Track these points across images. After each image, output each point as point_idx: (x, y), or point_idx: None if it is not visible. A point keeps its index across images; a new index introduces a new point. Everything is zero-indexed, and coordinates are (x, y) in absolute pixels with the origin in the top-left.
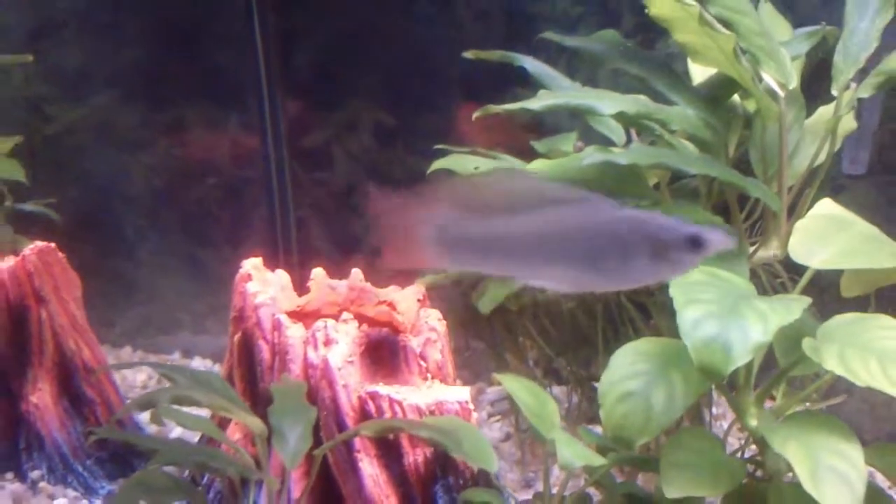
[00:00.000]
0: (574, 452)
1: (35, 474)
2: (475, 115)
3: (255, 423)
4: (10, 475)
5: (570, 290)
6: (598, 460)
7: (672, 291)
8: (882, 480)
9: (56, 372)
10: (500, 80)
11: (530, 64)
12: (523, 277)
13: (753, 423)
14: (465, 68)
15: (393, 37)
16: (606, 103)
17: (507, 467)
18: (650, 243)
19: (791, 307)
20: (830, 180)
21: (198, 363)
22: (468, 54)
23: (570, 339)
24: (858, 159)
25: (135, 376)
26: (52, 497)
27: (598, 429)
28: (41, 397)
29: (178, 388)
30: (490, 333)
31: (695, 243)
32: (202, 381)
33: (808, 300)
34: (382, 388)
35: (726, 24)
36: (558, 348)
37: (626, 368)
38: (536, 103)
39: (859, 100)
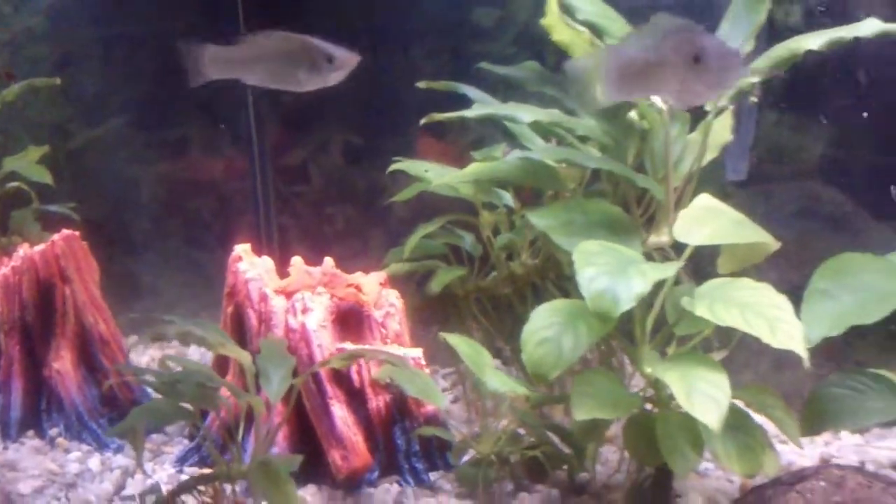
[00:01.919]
0: (501, 382)
1: (53, 431)
2: (422, 121)
3: (245, 357)
4: (30, 433)
5: None
6: (521, 389)
7: (574, 256)
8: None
9: (76, 342)
10: (448, 107)
11: (471, 91)
12: None
13: (648, 369)
14: (419, 97)
15: (360, 71)
16: (525, 113)
17: (456, 425)
18: None
19: (666, 268)
20: (719, 188)
21: (193, 350)
22: (421, 84)
23: (507, 320)
24: (738, 168)
25: (139, 358)
26: (67, 451)
27: None
28: (62, 364)
29: (184, 323)
30: (440, 318)
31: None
32: (200, 325)
33: (680, 263)
34: (349, 346)
35: None
36: (499, 329)
37: (543, 321)
38: (471, 112)
39: (736, 115)
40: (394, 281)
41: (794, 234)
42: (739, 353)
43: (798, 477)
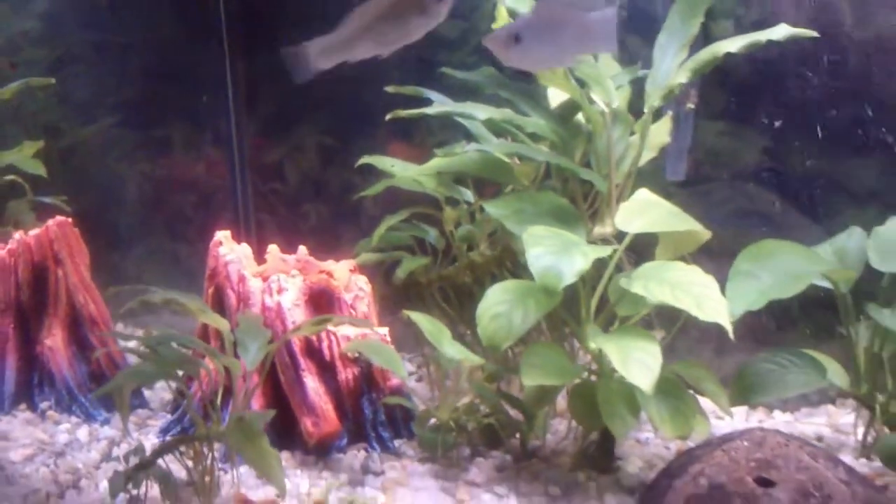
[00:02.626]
0: (457, 351)
1: (44, 405)
2: (388, 116)
3: (224, 324)
4: (23, 406)
5: None
6: (476, 358)
7: (524, 238)
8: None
9: (67, 321)
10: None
11: (434, 95)
12: None
13: (592, 344)
14: (388, 102)
15: (333, 78)
16: (481, 111)
17: (420, 402)
18: None
19: (604, 249)
20: (661, 188)
21: None
22: (389, 89)
23: (468, 307)
24: (678, 169)
25: (126, 343)
26: (57, 423)
27: None
28: (54, 341)
29: (168, 293)
30: (406, 305)
31: None
32: (182, 294)
33: (621, 248)
34: None
35: None
36: (460, 314)
37: (496, 298)
38: (432, 110)
39: (674, 119)
40: (364, 270)
41: (730, 231)
42: (683, 341)
43: (725, 438)
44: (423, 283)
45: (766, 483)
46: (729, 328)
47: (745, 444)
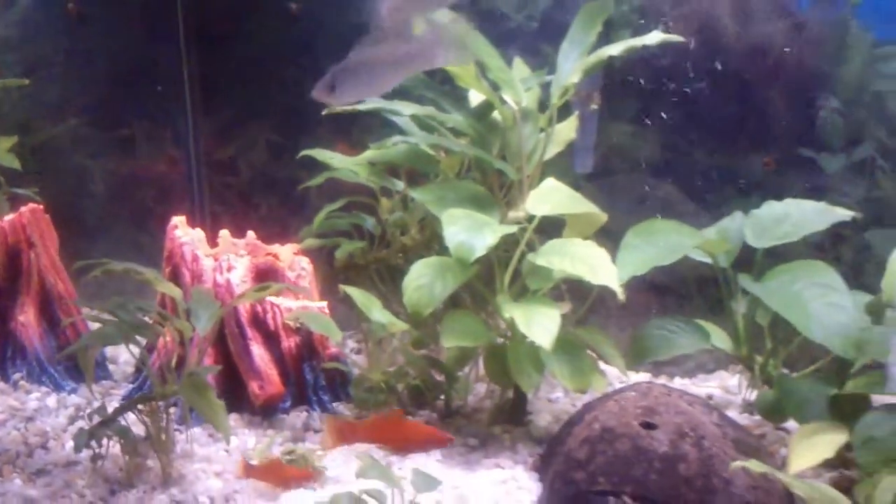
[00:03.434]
0: (383, 316)
1: (16, 376)
2: (324, 112)
3: (177, 291)
4: None
5: None
6: (401, 325)
7: (442, 218)
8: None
9: (39, 299)
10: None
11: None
12: None
13: (505, 313)
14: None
15: (283, 80)
16: (407, 108)
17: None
18: None
19: (511, 227)
20: (572, 180)
21: None
22: None
23: (401, 285)
24: (584, 163)
25: (92, 325)
26: (28, 392)
27: None
28: (27, 318)
29: (128, 264)
30: (347, 284)
31: None
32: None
33: (520, 226)
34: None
35: (481, 64)
36: (394, 293)
37: (419, 272)
38: (363, 106)
39: (580, 118)
40: (309, 254)
41: (634, 219)
42: (596, 317)
43: (618, 391)
44: (361, 264)
45: (649, 426)
46: (618, 290)
47: (633, 394)
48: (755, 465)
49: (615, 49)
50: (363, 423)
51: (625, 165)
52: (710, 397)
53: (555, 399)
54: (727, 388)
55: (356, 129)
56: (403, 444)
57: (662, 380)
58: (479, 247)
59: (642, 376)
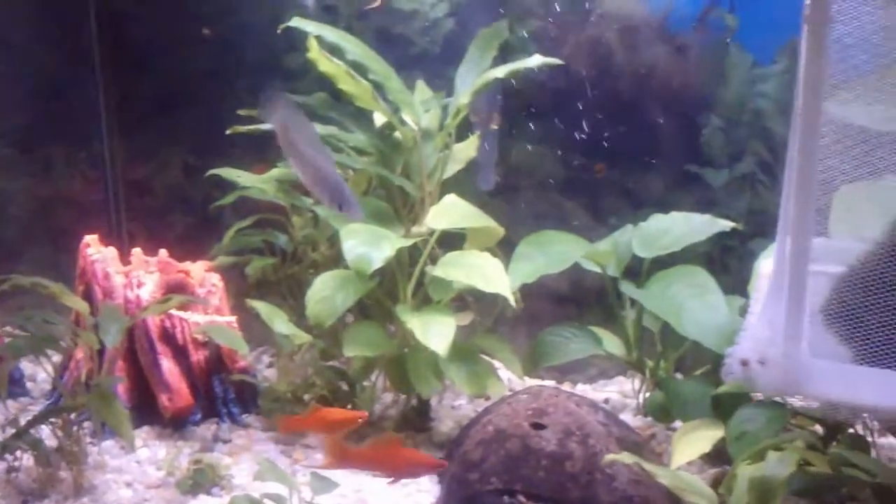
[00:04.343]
0: (286, 328)
1: None
2: (227, 131)
3: (83, 305)
4: None
5: None
6: (304, 337)
7: (341, 233)
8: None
9: None
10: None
11: None
12: None
13: (407, 324)
14: (242, 124)
15: (199, 102)
16: None
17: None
18: None
19: (409, 240)
20: (477, 197)
21: None
22: (241, 112)
23: None
24: (488, 180)
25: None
26: None
27: None
28: None
29: (35, 278)
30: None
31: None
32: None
33: (416, 240)
34: (175, 313)
35: (379, 85)
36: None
37: (322, 285)
38: (265, 125)
39: (480, 137)
40: (224, 271)
41: (531, 230)
42: (502, 326)
43: (513, 394)
44: (273, 280)
45: (539, 427)
46: (510, 297)
47: (525, 396)
48: (626, 458)
49: (500, 72)
50: (361, 449)
51: (528, 182)
52: (606, 401)
53: (458, 406)
54: (624, 392)
55: (270, 149)
56: (397, 471)
57: (566, 385)
58: (377, 259)
59: (548, 383)
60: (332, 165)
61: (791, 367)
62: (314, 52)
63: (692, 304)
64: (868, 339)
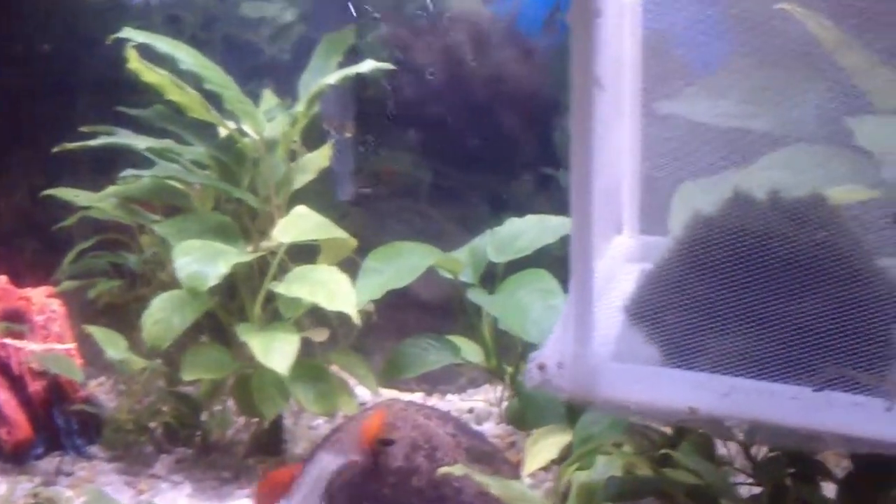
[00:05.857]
0: (118, 353)
1: None
2: (54, 149)
3: None
4: None
5: None
6: (138, 361)
7: (173, 251)
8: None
9: None
10: (113, 151)
11: (122, 132)
12: None
13: (249, 344)
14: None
15: (43, 123)
16: (142, 142)
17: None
18: None
19: (249, 255)
20: (336, 208)
21: None
22: (84, 129)
23: None
24: (345, 191)
25: None
26: None
27: None
28: None
29: None
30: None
31: None
32: None
33: (256, 255)
34: (7, 341)
35: (217, 94)
36: None
37: (158, 306)
38: (95, 142)
39: (334, 146)
40: (70, 296)
41: (394, 240)
42: (367, 339)
43: (363, 411)
44: (121, 304)
45: (387, 443)
46: (354, 315)
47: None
48: (458, 469)
49: (332, 78)
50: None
51: (390, 191)
52: (471, 410)
53: (315, 426)
54: (490, 400)
55: (118, 169)
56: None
57: (436, 397)
58: (212, 276)
59: (416, 395)
60: None
61: (581, 370)
62: (134, 62)
63: (537, 307)
64: (668, 339)
